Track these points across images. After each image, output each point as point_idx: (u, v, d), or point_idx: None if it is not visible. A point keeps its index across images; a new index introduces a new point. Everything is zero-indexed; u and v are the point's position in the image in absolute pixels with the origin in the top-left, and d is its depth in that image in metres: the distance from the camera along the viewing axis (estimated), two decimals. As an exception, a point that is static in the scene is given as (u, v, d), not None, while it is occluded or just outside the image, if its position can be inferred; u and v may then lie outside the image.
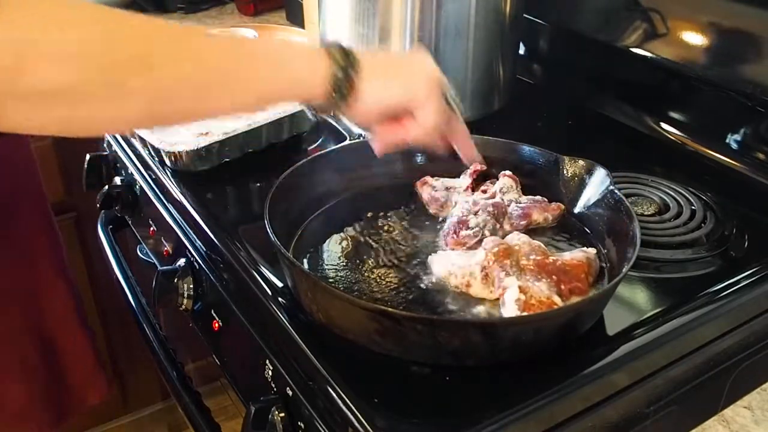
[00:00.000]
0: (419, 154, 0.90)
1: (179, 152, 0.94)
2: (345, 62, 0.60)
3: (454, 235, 0.79)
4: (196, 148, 0.92)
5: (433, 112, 0.64)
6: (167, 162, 0.97)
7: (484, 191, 0.85)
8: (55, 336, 1.04)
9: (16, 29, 0.45)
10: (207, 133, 0.98)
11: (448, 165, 0.90)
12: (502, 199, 0.83)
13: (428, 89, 0.63)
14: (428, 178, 0.88)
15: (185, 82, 0.53)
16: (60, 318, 1.05)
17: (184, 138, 0.98)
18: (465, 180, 0.87)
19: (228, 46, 0.59)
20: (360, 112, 0.62)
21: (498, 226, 0.80)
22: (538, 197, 0.85)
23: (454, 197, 0.85)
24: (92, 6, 0.50)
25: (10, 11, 0.45)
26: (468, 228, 0.78)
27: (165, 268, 0.92)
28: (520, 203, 0.83)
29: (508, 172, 0.86)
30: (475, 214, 0.80)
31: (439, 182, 0.88)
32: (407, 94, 0.63)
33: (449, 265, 0.74)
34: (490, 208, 0.80)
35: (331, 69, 0.60)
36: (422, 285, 0.74)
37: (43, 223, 1.03)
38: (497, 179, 0.86)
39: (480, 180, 0.87)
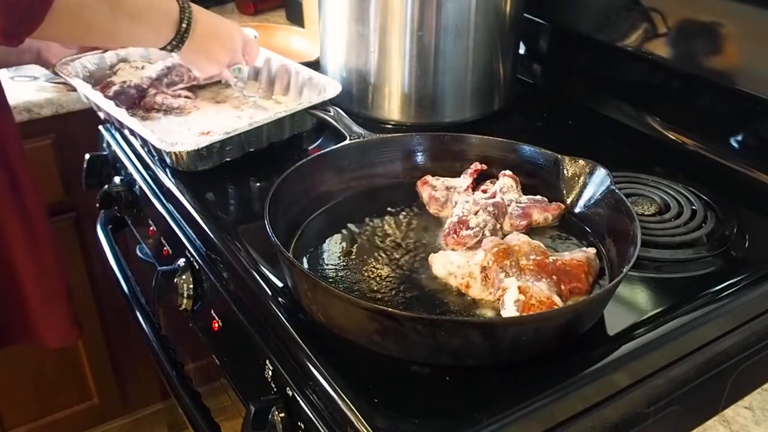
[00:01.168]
0: (419, 154, 0.91)
1: (179, 152, 0.93)
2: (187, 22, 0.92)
3: (455, 235, 0.79)
4: (196, 147, 0.92)
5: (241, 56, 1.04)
6: (168, 162, 0.96)
7: (485, 191, 0.85)
8: (16, 268, 1.02)
9: None
10: (208, 133, 0.98)
11: (449, 164, 0.91)
12: (502, 199, 0.83)
13: (240, 46, 1.02)
14: (429, 178, 0.88)
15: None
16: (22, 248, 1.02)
17: (184, 137, 0.98)
18: (465, 180, 0.87)
19: None
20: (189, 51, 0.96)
21: (498, 226, 0.80)
22: (539, 197, 0.85)
23: (454, 197, 0.85)
24: None
25: None
26: (468, 228, 0.78)
27: (165, 267, 0.92)
28: (520, 203, 0.83)
29: (508, 172, 0.86)
30: (476, 213, 0.80)
31: (440, 182, 0.88)
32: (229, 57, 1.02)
33: (449, 265, 0.74)
34: (491, 208, 0.80)
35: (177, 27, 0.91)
36: (422, 285, 0.74)
37: (32, 225, 1.02)
38: (497, 179, 0.86)
39: (480, 180, 0.87)
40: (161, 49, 0.94)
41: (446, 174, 0.90)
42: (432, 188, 0.87)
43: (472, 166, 0.87)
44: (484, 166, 0.87)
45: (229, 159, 0.97)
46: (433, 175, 0.89)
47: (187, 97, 1.11)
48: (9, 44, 0.79)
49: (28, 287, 1.03)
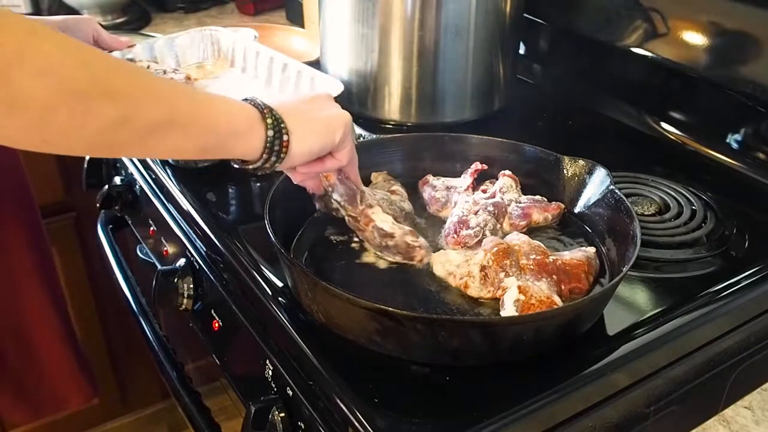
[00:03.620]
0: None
1: None
2: (276, 126, 0.65)
3: (455, 235, 0.79)
4: None
5: (348, 152, 0.73)
6: (169, 160, 0.96)
7: (484, 191, 0.85)
8: (32, 337, 1.04)
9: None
10: None
11: (449, 164, 0.91)
12: (502, 199, 0.83)
13: (344, 135, 0.71)
14: (429, 177, 0.88)
15: (145, 116, 0.56)
16: (38, 320, 1.05)
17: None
18: (465, 180, 0.86)
19: (188, 90, 0.63)
20: (288, 165, 0.69)
21: (498, 226, 0.80)
22: (538, 197, 0.85)
23: (454, 197, 0.85)
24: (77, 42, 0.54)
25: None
26: (468, 228, 0.78)
27: (165, 268, 0.92)
28: (520, 203, 0.83)
29: (507, 172, 0.86)
30: (476, 213, 0.80)
31: (440, 182, 0.88)
32: (329, 143, 0.70)
33: (449, 265, 0.74)
34: (491, 208, 0.80)
35: (266, 134, 0.65)
36: (422, 285, 0.74)
37: (29, 227, 1.03)
38: (497, 179, 0.86)
39: (481, 180, 0.87)
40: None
41: (446, 174, 0.90)
42: (432, 188, 0.87)
43: (473, 166, 0.87)
44: (485, 166, 0.87)
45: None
46: (434, 176, 0.89)
47: None
48: None
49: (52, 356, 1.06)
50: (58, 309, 1.09)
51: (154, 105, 0.57)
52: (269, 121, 0.65)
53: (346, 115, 0.71)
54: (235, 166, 0.70)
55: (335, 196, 0.77)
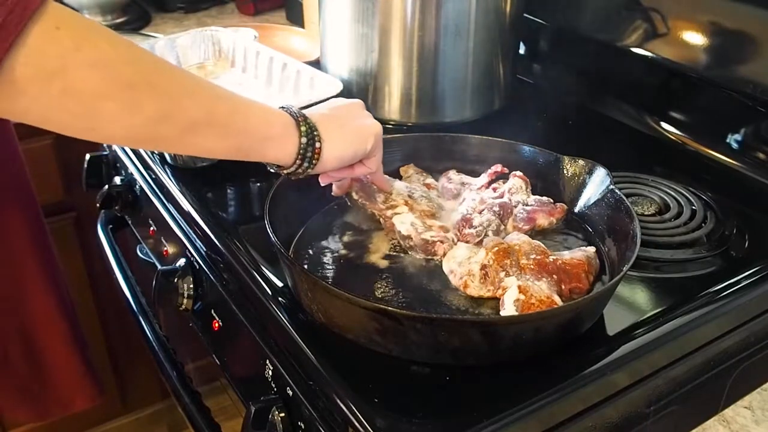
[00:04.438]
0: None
1: None
2: (310, 134, 0.67)
3: (457, 233, 0.79)
4: None
5: (377, 160, 0.76)
6: (168, 159, 0.97)
7: (495, 189, 0.85)
8: (38, 338, 1.05)
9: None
10: None
11: (449, 164, 0.91)
12: (510, 200, 0.82)
13: (375, 144, 0.73)
14: (451, 172, 0.89)
15: (185, 113, 0.60)
16: (44, 321, 1.05)
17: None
18: (482, 179, 0.87)
19: (228, 93, 0.65)
20: (320, 170, 0.71)
21: (502, 227, 0.80)
22: (545, 198, 0.84)
23: (465, 193, 0.85)
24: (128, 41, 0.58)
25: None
26: (471, 227, 0.78)
27: (165, 268, 0.92)
28: (527, 205, 0.82)
29: (519, 173, 0.86)
30: (480, 213, 0.80)
31: (458, 177, 0.88)
32: (361, 151, 0.72)
33: (453, 261, 0.74)
34: (496, 208, 0.80)
35: (300, 141, 0.67)
36: (422, 284, 0.74)
37: (31, 225, 1.03)
38: (508, 179, 0.86)
39: (496, 181, 0.87)
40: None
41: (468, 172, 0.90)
42: (448, 180, 0.88)
43: (493, 168, 0.87)
44: (505, 169, 0.86)
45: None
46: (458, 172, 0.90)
47: None
48: None
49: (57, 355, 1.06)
50: (64, 310, 1.09)
51: (195, 104, 0.60)
52: (303, 128, 0.67)
53: (378, 126, 0.74)
54: (271, 170, 0.72)
55: (354, 195, 0.81)
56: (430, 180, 0.89)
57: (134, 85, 0.56)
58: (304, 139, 0.67)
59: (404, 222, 0.78)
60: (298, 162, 0.68)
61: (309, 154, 0.68)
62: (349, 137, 0.71)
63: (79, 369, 1.11)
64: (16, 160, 1.02)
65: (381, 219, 0.81)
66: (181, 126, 0.59)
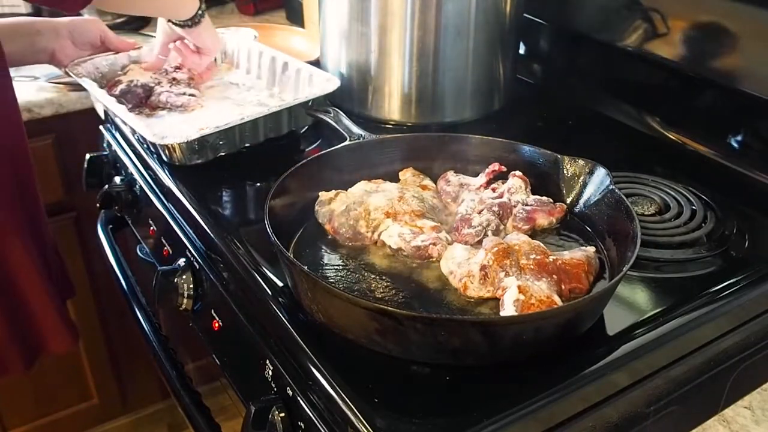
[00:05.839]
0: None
1: (172, 146, 0.94)
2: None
3: (456, 233, 0.79)
4: (186, 140, 0.93)
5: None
6: (163, 156, 0.97)
7: (494, 189, 0.85)
8: (18, 285, 1.03)
9: None
10: (204, 129, 0.98)
11: (449, 165, 0.91)
12: (509, 200, 0.82)
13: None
14: (449, 173, 0.89)
15: None
16: (20, 262, 1.03)
17: (176, 131, 0.98)
18: (480, 179, 0.87)
19: None
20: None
21: (502, 227, 0.80)
22: (545, 198, 0.84)
23: (463, 194, 0.85)
24: None
25: None
26: (470, 227, 0.78)
27: (165, 268, 0.92)
28: (527, 205, 0.82)
29: (518, 173, 0.86)
30: (479, 213, 0.80)
31: (456, 178, 0.88)
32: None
33: (452, 262, 0.74)
34: (495, 208, 0.80)
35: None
36: (422, 284, 0.74)
37: (17, 181, 1.01)
38: (508, 179, 0.86)
39: (495, 180, 0.87)
40: (183, 22, 1.09)
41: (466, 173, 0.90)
42: (446, 182, 0.87)
43: (490, 167, 0.87)
44: (503, 168, 0.86)
45: (223, 153, 0.98)
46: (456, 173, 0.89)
47: (191, 95, 1.11)
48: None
49: (37, 297, 1.05)
50: (44, 262, 1.07)
51: None
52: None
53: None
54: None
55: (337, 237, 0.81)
56: (427, 181, 0.88)
57: None
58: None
59: (392, 235, 0.77)
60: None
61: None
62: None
63: (55, 313, 1.10)
64: (26, 160, 1.02)
65: (372, 245, 0.80)
66: None
